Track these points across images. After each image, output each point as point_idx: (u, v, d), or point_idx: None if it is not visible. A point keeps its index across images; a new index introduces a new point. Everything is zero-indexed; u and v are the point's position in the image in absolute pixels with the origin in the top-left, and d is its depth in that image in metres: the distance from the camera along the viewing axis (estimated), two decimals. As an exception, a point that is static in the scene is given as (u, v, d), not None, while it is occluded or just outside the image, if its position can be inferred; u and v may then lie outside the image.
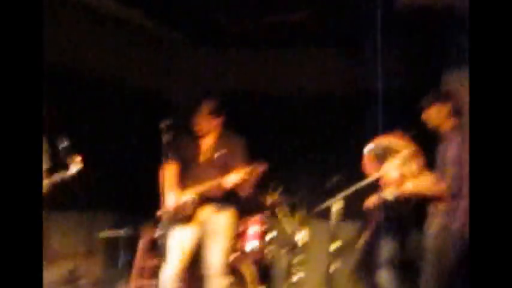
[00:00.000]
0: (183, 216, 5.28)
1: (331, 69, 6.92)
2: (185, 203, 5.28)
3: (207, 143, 5.43)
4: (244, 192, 5.35)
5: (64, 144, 4.86)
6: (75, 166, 4.88)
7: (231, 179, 5.12)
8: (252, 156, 5.32)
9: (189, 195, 5.27)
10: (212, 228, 5.35)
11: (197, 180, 5.28)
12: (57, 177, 4.85)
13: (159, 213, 5.30)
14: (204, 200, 5.29)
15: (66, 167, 4.88)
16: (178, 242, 5.29)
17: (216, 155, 5.31)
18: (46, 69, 3.12)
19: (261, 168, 5.09)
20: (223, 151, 5.21)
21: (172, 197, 5.31)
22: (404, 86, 6.64)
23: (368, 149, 5.02)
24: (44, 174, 4.76)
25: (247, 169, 5.08)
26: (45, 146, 4.75)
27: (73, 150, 4.89)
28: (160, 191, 5.35)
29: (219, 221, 5.37)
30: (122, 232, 6.27)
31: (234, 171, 5.15)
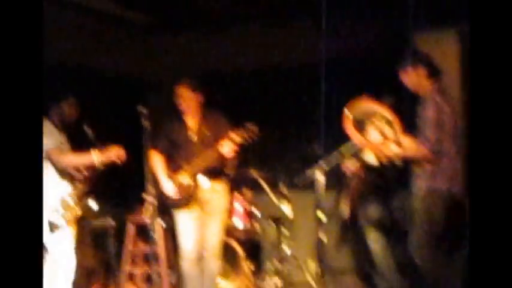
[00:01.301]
0: (186, 199, 5.28)
1: (298, 40, 6.89)
2: (188, 186, 5.26)
3: (193, 121, 5.41)
4: (232, 165, 5.34)
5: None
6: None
7: (228, 145, 5.08)
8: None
9: (186, 177, 5.26)
10: (211, 208, 5.36)
11: (191, 160, 5.26)
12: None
13: (147, 198, 5.24)
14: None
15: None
16: (189, 226, 5.32)
17: (205, 132, 5.29)
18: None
19: (254, 128, 5.06)
20: (250, 126, 5.12)
21: (169, 182, 5.28)
22: (378, 51, 6.64)
23: (348, 112, 5.00)
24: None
25: (241, 132, 5.05)
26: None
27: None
28: (147, 177, 5.24)
29: (216, 201, 5.39)
30: (110, 220, 6.26)
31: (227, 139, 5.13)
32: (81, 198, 4.97)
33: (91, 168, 5.03)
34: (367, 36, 6.73)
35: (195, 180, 5.26)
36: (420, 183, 4.83)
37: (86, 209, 5.04)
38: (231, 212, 6.10)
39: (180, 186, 5.26)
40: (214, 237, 5.39)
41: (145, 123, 4.97)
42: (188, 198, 5.27)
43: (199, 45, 7.72)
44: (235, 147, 5.10)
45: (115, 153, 5.01)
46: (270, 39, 7.36)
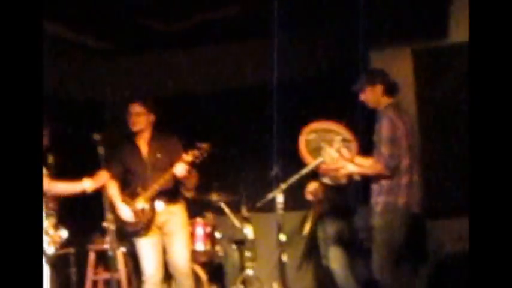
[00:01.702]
0: (144, 224, 5.24)
1: (259, 62, 6.92)
2: (143, 210, 5.22)
3: (145, 145, 5.38)
4: (190, 186, 5.31)
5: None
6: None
7: (181, 167, 5.05)
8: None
9: (143, 202, 5.22)
10: (170, 229, 5.32)
11: (146, 184, 5.25)
12: None
13: (105, 224, 5.20)
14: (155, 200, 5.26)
15: None
16: (149, 251, 5.29)
17: (158, 155, 5.27)
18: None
19: (206, 146, 5.03)
20: (202, 144, 5.08)
21: (126, 208, 5.24)
22: (333, 71, 6.69)
23: (302, 137, 5.03)
24: None
25: (192, 152, 5.02)
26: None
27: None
28: (105, 202, 5.20)
29: (174, 221, 5.34)
30: (70, 249, 6.17)
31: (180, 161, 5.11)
32: (55, 228, 4.88)
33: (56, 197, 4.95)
34: (321, 55, 6.80)
35: (151, 204, 5.23)
36: (377, 199, 4.85)
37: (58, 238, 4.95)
38: (192, 235, 6.06)
39: (136, 212, 5.23)
40: (179, 258, 5.34)
41: (100, 150, 4.92)
42: (146, 223, 5.24)
43: (153, 68, 7.71)
44: (188, 168, 5.07)
45: (104, 179, 4.93)
46: (224, 60, 7.40)
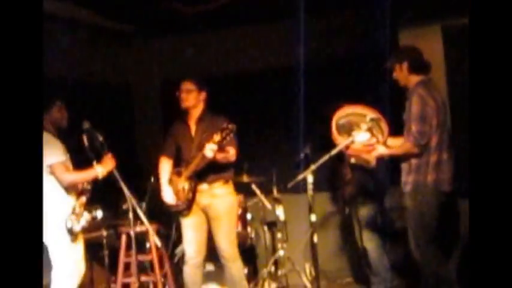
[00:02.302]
0: (184, 204, 5.27)
1: (289, 43, 6.89)
2: (183, 190, 5.24)
3: (193, 123, 5.37)
4: (231, 157, 5.27)
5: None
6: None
7: (210, 147, 4.95)
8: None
9: (183, 182, 5.24)
10: (214, 213, 5.30)
11: (190, 163, 5.22)
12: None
13: (124, 206, 5.23)
14: (198, 181, 5.25)
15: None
16: (189, 232, 5.34)
17: (204, 134, 5.21)
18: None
19: (231, 127, 4.94)
20: (228, 125, 4.97)
21: (168, 189, 5.31)
22: (362, 51, 6.64)
23: (333, 123, 5.01)
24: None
25: (218, 133, 4.93)
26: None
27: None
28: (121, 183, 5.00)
29: (218, 204, 5.30)
30: (102, 231, 6.24)
31: (225, 150, 5.11)
32: (85, 209, 4.94)
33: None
34: (349, 35, 6.75)
35: (190, 184, 5.23)
36: (407, 179, 4.83)
37: (91, 219, 4.99)
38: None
39: (177, 192, 5.27)
40: (223, 241, 5.31)
41: (85, 138, 4.87)
42: (187, 203, 5.26)
43: (180, 51, 7.74)
44: (215, 148, 4.96)
45: (112, 162, 4.95)
46: (252, 41, 7.41)
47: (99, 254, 6.22)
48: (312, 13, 6.15)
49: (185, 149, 5.35)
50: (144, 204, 6.15)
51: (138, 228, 5.61)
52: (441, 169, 4.76)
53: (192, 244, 5.36)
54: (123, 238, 6.16)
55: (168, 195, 5.32)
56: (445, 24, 6.21)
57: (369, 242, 5.79)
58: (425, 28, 6.24)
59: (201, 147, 5.08)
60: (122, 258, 6.25)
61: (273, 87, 7.18)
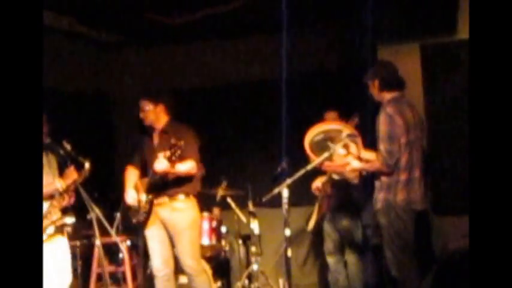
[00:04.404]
0: (143, 216, 5.23)
1: (267, 56, 6.92)
2: (140, 201, 5.23)
3: (156, 135, 5.36)
4: (191, 170, 5.22)
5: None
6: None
7: (160, 163, 4.97)
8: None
9: (142, 193, 5.22)
10: (175, 226, 5.26)
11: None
12: None
13: (89, 216, 5.11)
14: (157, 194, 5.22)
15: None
16: (154, 244, 5.31)
17: (165, 146, 5.12)
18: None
19: (179, 143, 4.91)
20: (177, 141, 4.96)
21: (132, 192, 5.28)
22: (341, 66, 6.69)
23: (307, 140, 4.99)
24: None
25: (167, 150, 4.93)
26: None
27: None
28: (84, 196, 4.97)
29: (179, 218, 5.25)
30: (76, 242, 6.20)
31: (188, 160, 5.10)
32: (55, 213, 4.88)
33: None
34: (329, 50, 6.79)
35: (147, 196, 5.21)
36: (378, 196, 4.79)
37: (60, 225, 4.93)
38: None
39: (139, 202, 5.25)
40: (185, 256, 5.27)
41: (67, 146, 4.79)
42: (145, 215, 5.24)
43: (159, 62, 7.75)
44: (164, 164, 4.96)
45: (74, 175, 4.90)
46: (232, 54, 7.43)
47: (73, 264, 6.18)
48: (292, 28, 6.17)
49: (149, 161, 5.30)
50: (118, 215, 6.15)
51: (111, 239, 5.57)
52: (412, 188, 4.70)
53: (157, 257, 5.31)
54: (96, 249, 6.12)
55: (130, 197, 5.27)
56: (423, 43, 6.26)
57: (350, 255, 5.80)
58: (403, 46, 6.29)
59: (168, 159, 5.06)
60: (95, 269, 6.22)
61: (251, 100, 7.20)
